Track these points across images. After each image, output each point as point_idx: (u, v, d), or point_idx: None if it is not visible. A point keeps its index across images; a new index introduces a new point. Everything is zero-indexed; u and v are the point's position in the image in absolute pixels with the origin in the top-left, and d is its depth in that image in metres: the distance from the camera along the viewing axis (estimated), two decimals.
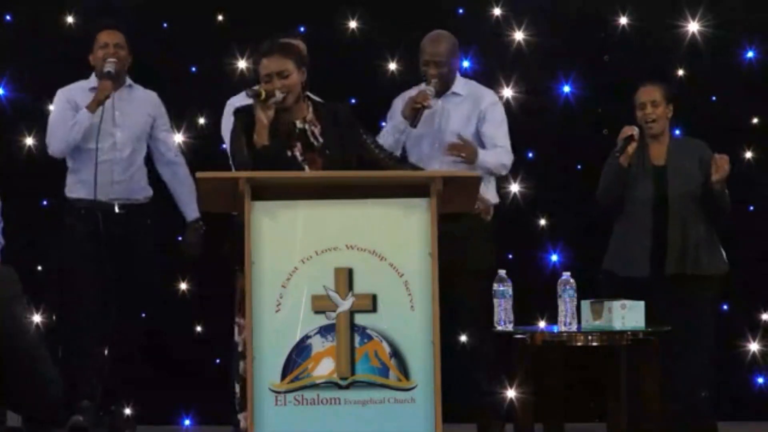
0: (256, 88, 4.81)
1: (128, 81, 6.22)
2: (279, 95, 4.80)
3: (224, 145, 5.93)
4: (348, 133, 4.92)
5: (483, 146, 5.94)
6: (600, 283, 5.94)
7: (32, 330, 6.02)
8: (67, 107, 6.09)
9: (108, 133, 6.05)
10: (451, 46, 6.01)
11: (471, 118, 5.99)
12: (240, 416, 4.79)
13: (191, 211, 6.26)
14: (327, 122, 4.91)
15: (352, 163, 4.88)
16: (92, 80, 6.15)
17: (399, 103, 6.03)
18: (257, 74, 4.92)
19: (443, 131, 5.94)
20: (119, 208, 6.07)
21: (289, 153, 4.84)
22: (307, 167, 4.83)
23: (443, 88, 5.98)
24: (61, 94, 6.17)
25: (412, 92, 5.97)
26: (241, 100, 5.87)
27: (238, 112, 4.95)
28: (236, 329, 4.89)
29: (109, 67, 6.01)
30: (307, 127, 4.90)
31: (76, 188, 6.10)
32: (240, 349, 4.81)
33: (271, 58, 4.86)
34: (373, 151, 4.96)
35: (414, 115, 5.84)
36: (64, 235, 6.10)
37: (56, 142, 6.05)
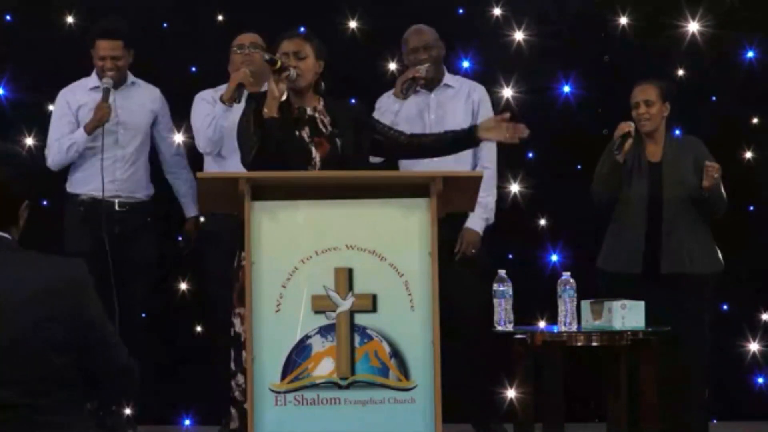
0: (274, 56, 4.84)
1: (130, 78, 6.23)
2: (293, 72, 4.85)
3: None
4: (361, 118, 5.02)
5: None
6: (596, 281, 5.94)
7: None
8: (67, 113, 6.09)
9: (110, 131, 6.05)
10: (435, 34, 6.10)
11: (466, 112, 6.02)
12: (232, 411, 4.77)
13: (190, 209, 6.33)
14: (337, 113, 4.95)
15: (365, 148, 4.94)
16: (93, 78, 6.15)
17: (384, 101, 6.07)
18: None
19: (440, 126, 5.92)
20: (119, 206, 6.07)
21: (297, 133, 4.86)
22: (314, 149, 4.87)
23: (436, 75, 6.02)
24: (62, 97, 6.18)
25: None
26: (210, 94, 5.91)
27: (250, 97, 5.02)
28: (238, 321, 4.83)
29: (106, 83, 6.01)
30: (317, 115, 4.94)
31: (77, 184, 6.10)
32: (243, 339, 4.80)
33: (292, 40, 4.96)
34: (388, 133, 5.04)
35: (405, 88, 5.85)
36: (63, 232, 6.09)
37: (53, 158, 6.08)
